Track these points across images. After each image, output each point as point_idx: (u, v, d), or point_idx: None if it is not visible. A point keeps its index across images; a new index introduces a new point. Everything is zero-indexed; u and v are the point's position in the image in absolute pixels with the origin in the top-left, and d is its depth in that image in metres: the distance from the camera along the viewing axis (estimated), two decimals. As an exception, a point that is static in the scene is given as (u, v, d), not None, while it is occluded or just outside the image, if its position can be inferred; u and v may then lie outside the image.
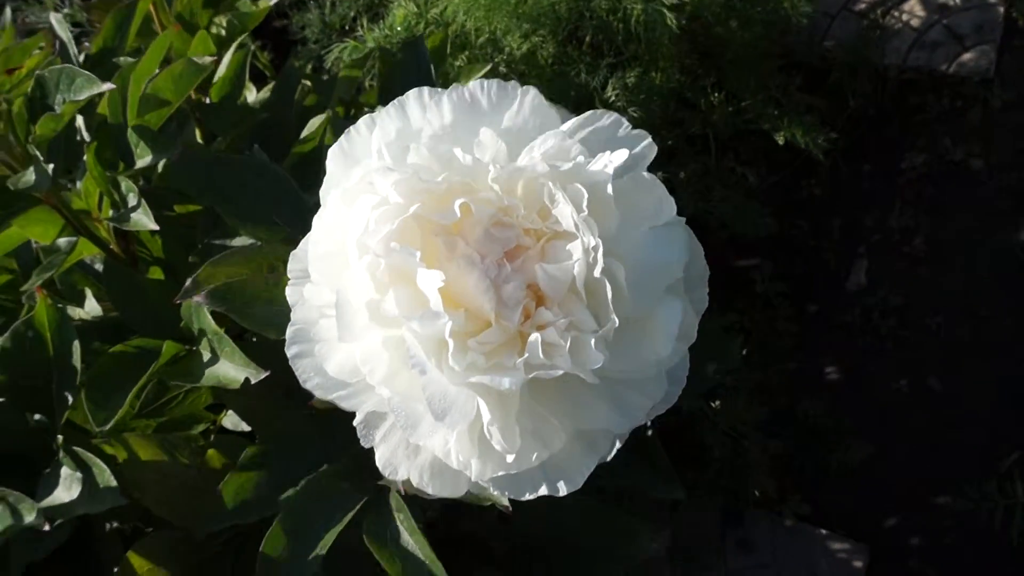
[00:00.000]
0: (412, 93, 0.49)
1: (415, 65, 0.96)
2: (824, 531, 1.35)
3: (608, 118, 0.48)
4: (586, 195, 0.44)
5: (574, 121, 0.48)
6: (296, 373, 0.48)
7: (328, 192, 0.50)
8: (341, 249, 0.47)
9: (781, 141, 1.41)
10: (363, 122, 0.50)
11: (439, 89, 0.49)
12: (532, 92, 0.48)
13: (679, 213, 1.03)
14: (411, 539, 0.61)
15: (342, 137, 0.50)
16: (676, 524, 1.40)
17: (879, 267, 1.52)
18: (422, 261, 0.43)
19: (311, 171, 0.89)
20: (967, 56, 1.57)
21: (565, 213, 0.44)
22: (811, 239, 1.56)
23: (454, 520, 0.87)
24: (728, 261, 1.57)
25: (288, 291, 0.50)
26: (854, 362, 1.47)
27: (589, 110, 1.26)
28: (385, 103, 0.94)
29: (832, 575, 1.33)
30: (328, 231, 0.48)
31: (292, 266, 0.50)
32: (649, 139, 0.48)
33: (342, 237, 0.47)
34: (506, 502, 0.56)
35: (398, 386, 0.45)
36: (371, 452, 0.67)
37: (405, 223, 0.44)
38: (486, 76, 1.24)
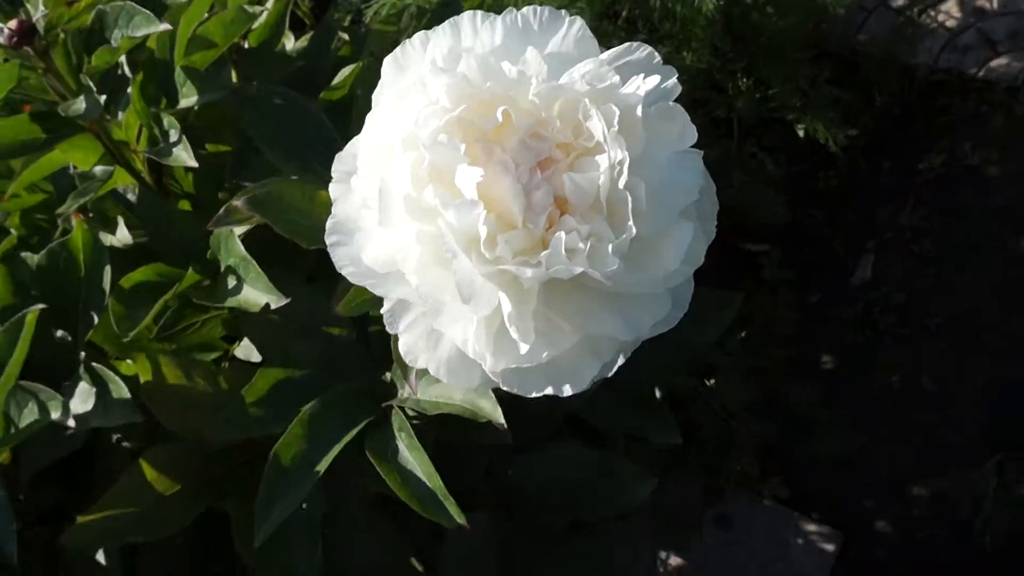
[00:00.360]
0: (467, 14, 0.52)
1: (454, 14, 0.99)
2: (800, 514, 1.40)
3: (643, 51, 0.52)
4: (618, 113, 0.47)
5: (612, 51, 0.51)
6: (333, 261, 0.52)
7: (381, 93, 0.53)
8: (389, 144, 0.50)
9: (801, 133, 1.44)
10: (417, 37, 0.53)
11: (491, 14, 0.52)
12: (579, 22, 0.52)
13: None
14: (411, 456, 0.66)
15: (397, 49, 0.53)
16: (659, 497, 1.44)
17: (886, 263, 1.55)
18: (466, 155, 0.47)
19: (338, 118, 0.93)
20: (998, 62, 1.59)
21: (597, 128, 0.47)
22: (823, 230, 1.59)
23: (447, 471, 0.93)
24: (739, 245, 1.60)
25: (332, 188, 0.54)
26: (850, 354, 1.51)
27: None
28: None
29: (804, 557, 1.37)
30: (378, 128, 0.52)
31: (337, 167, 0.54)
32: (676, 74, 0.51)
33: (390, 133, 0.50)
34: (500, 417, 0.61)
35: (428, 277, 0.48)
36: (377, 380, 0.74)
37: (450, 123, 0.47)
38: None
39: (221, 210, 0.72)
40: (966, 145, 1.57)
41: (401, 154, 0.48)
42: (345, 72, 0.98)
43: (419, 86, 0.50)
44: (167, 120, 0.84)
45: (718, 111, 1.49)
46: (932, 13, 1.64)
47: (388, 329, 0.52)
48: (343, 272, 0.52)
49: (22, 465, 0.81)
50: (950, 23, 1.63)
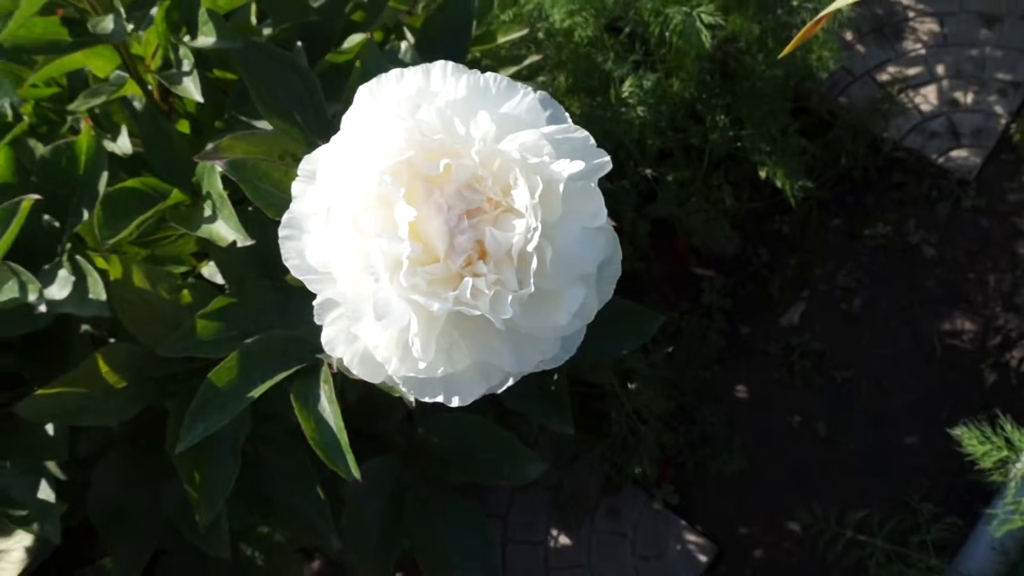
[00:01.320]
0: (439, 64, 0.58)
1: (462, 10, 1.06)
2: (684, 522, 1.51)
3: (581, 133, 0.58)
4: (540, 187, 0.54)
5: (554, 128, 0.58)
6: (282, 251, 0.58)
7: (350, 120, 0.59)
8: (346, 166, 0.56)
9: (763, 175, 1.53)
10: (393, 74, 0.59)
11: (462, 67, 0.59)
12: (532, 95, 0.58)
13: (655, 210, 1.17)
14: (328, 407, 0.73)
15: (372, 81, 0.59)
16: (563, 479, 1.55)
17: (813, 313, 1.65)
18: (404, 198, 0.53)
19: (337, 82, 0.99)
20: (958, 153, 1.69)
21: (522, 196, 0.54)
22: (765, 269, 1.69)
23: (367, 416, 1.01)
24: (687, 266, 1.70)
25: (294, 185, 0.60)
26: (761, 388, 1.61)
27: (604, 96, 1.38)
28: (425, 36, 1.05)
29: (678, 561, 1.49)
30: (341, 149, 0.58)
31: (303, 166, 0.60)
32: (607, 158, 0.58)
33: (350, 157, 0.57)
34: (413, 399, 0.67)
35: (355, 286, 0.55)
36: (315, 332, 0.79)
37: (400, 163, 0.54)
38: (522, 40, 1.36)
39: (210, 146, 0.78)
40: (911, 223, 1.67)
41: (354, 179, 0.55)
42: (354, 39, 1.03)
43: (383, 122, 0.56)
44: (183, 51, 0.90)
45: (693, 139, 1.58)
46: (911, 94, 1.74)
47: (316, 320, 0.59)
48: (287, 264, 0.58)
49: None
50: (925, 107, 1.72)
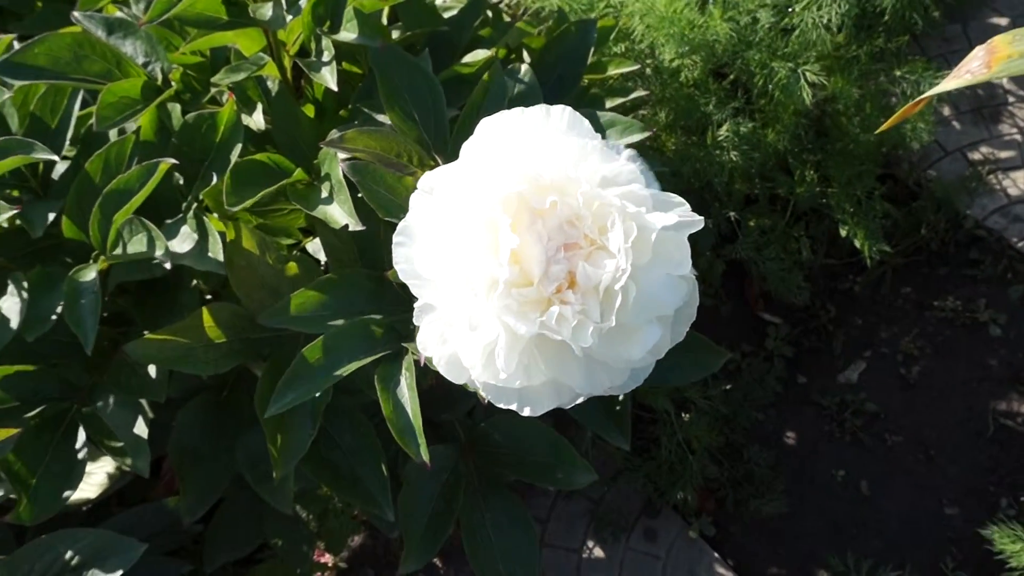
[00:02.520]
0: (559, 109, 0.64)
1: (581, 40, 1.12)
2: (716, 555, 1.56)
3: (677, 199, 0.64)
4: (635, 234, 0.59)
5: (656, 191, 0.63)
6: (393, 256, 0.64)
7: (471, 147, 0.65)
8: (462, 189, 0.62)
9: (843, 233, 1.57)
10: (516, 112, 0.65)
11: (579, 115, 0.65)
12: (634, 162, 0.64)
13: (732, 252, 1.22)
14: (407, 392, 0.78)
15: (496, 116, 0.65)
16: (606, 494, 1.61)
17: (872, 374, 1.68)
18: (510, 225, 0.59)
19: (457, 91, 1.06)
20: (1039, 240, 1.71)
21: (616, 238, 0.59)
22: (831, 325, 1.73)
23: (434, 404, 1.07)
24: (756, 310, 1.75)
25: (412, 197, 0.65)
26: (811, 438, 1.65)
27: (700, 137, 1.44)
28: (543, 60, 1.12)
29: (704, 591, 1.54)
30: (460, 173, 0.64)
31: (423, 182, 0.65)
32: (701, 219, 0.63)
33: (467, 181, 0.62)
34: (485, 396, 0.72)
35: (454, 297, 0.61)
36: (404, 323, 0.85)
37: (511, 195, 0.60)
38: (631, 75, 1.42)
39: (336, 133, 0.85)
40: (981, 301, 1.70)
41: (469, 201, 0.61)
42: (478, 55, 1.09)
43: (501, 154, 0.62)
44: (325, 42, 0.96)
45: (780, 189, 1.62)
46: (1000, 176, 1.76)
47: (415, 320, 0.65)
48: (396, 267, 0.64)
49: (111, 275, 0.95)
50: (1012, 191, 1.74)
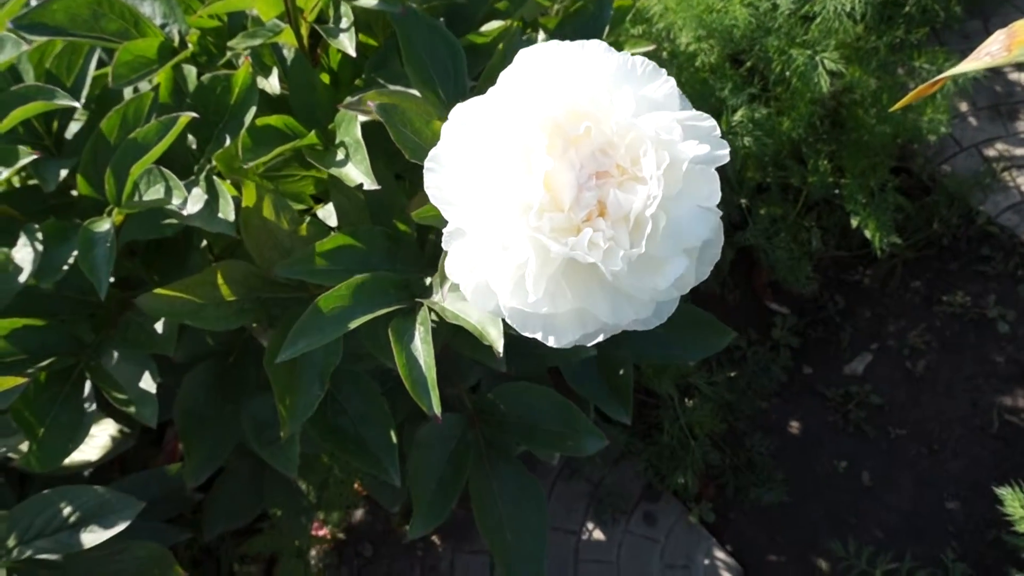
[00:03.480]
0: (594, 42, 0.64)
1: (597, 17, 1.11)
2: (715, 540, 1.56)
3: (709, 122, 0.64)
4: (667, 162, 0.60)
5: (686, 113, 0.63)
6: (425, 179, 0.64)
7: (507, 76, 0.64)
8: (497, 115, 0.62)
9: (855, 224, 1.56)
10: (553, 43, 0.65)
11: (613, 48, 0.65)
12: (671, 83, 0.64)
13: (742, 239, 1.20)
14: (421, 346, 0.78)
15: (534, 47, 0.65)
16: (608, 477, 1.61)
17: (878, 367, 1.68)
18: (545, 149, 0.60)
19: (474, 61, 1.05)
20: (1051, 239, 1.71)
21: (649, 166, 0.59)
22: (838, 317, 1.73)
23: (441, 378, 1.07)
24: (763, 299, 1.75)
25: (444, 127, 0.65)
26: (814, 429, 1.65)
27: (714, 119, 1.43)
28: (560, 35, 1.11)
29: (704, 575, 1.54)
30: (494, 100, 0.64)
31: (455, 113, 0.65)
32: (728, 149, 0.63)
33: (502, 107, 0.63)
34: (500, 346, 0.73)
35: (485, 219, 0.61)
36: (417, 280, 0.85)
37: (547, 119, 0.60)
38: (646, 55, 1.42)
39: (355, 98, 0.85)
40: (991, 297, 1.69)
41: (504, 125, 0.61)
42: (494, 25, 1.08)
43: (538, 81, 0.62)
44: (344, 8, 0.96)
45: (792, 179, 1.62)
46: (1015, 173, 1.75)
47: (443, 246, 0.64)
48: (428, 192, 0.64)
49: (123, 232, 0.94)
50: (1026, 188, 1.75)
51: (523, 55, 0.65)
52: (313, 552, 1.53)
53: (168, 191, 0.87)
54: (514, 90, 0.64)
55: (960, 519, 1.55)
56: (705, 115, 0.64)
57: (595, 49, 0.64)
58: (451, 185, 0.64)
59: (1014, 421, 1.61)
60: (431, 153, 0.65)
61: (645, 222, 0.60)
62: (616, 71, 0.63)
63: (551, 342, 0.64)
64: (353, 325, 0.80)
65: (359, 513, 1.59)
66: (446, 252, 0.65)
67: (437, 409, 0.76)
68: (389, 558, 1.55)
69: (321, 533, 1.53)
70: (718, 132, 0.64)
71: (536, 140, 0.60)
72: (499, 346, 0.73)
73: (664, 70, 0.64)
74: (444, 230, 0.65)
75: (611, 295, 0.63)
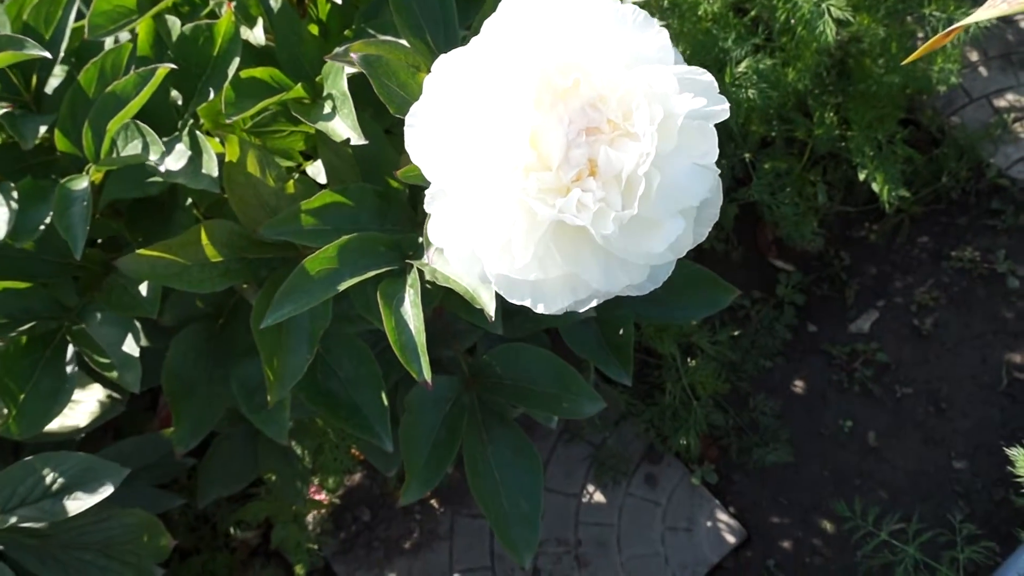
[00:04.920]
0: None
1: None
2: (718, 502, 1.53)
3: (707, 77, 0.60)
4: (661, 117, 0.56)
5: (683, 68, 0.60)
6: (406, 136, 0.61)
7: (491, 25, 0.61)
8: (480, 67, 0.59)
9: (861, 178, 1.53)
10: None
11: None
12: (665, 33, 0.60)
13: (746, 195, 1.16)
14: (411, 309, 0.75)
15: None
16: (607, 438, 1.58)
17: (884, 325, 1.65)
18: (531, 103, 0.56)
19: (466, 9, 1.02)
20: (1063, 191, 1.67)
21: (642, 121, 0.56)
22: (844, 273, 1.69)
23: (435, 340, 1.04)
24: (768, 256, 1.71)
25: (426, 80, 0.62)
26: (819, 387, 1.62)
27: (717, 75, 1.39)
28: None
29: (706, 538, 1.51)
30: (478, 51, 0.60)
31: (438, 65, 0.62)
32: (727, 104, 0.60)
33: (486, 58, 0.59)
34: (492, 310, 0.69)
35: (469, 178, 0.58)
36: (408, 240, 0.81)
37: (533, 71, 0.57)
38: (646, 4, 1.37)
39: (341, 48, 0.81)
40: (1001, 252, 1.66)
41: (487, 78, 0.58)
42: None
43: (523, 30, 0.59)
44: None
45: (798, 132, 1.58)
46: (1026, 124, 1.72)
47: (425, 208, 0.61)
48: (408, 150, 0.61)
49: (105, 191, 0.92)
50: (1038, 140, 1.70)
51: (508, 2, 0.61)
52: (310, 517, 1.51)
53: (146, 147, 0.84)
54: (498, 40, 0.60)
55: (967, 479, 1.53)
56: (702, 70, 0.61)
57: None
58: (433, 143, 0.60)
59: (1023, 379, 1.58)
60: (412, 109, 0.61)
61: (638, 181, 0.56)
62: (608, 20, 0.59)
63: (540, 309, 0.61)
64: (341, 288, 0.77)
65: (357, 477, 1.57)
66: (429, 214, 0.62)
67: (427, 375, 0.73)
68: (387, 522, 1.53)
69: (318, 497, 1.51)
70: (716, 87, 0.61)
71: (522, 94, 0.57)
72: (491, 310, 0.70)
73: (656, 20, 0.61)
74: (426, 191, 0.61)
75: (603, 260, 0.59)
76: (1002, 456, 1.51)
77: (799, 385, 1.62)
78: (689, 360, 1.57)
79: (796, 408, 1.61)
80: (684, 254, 0.61)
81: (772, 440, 1.57)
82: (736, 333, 1.62)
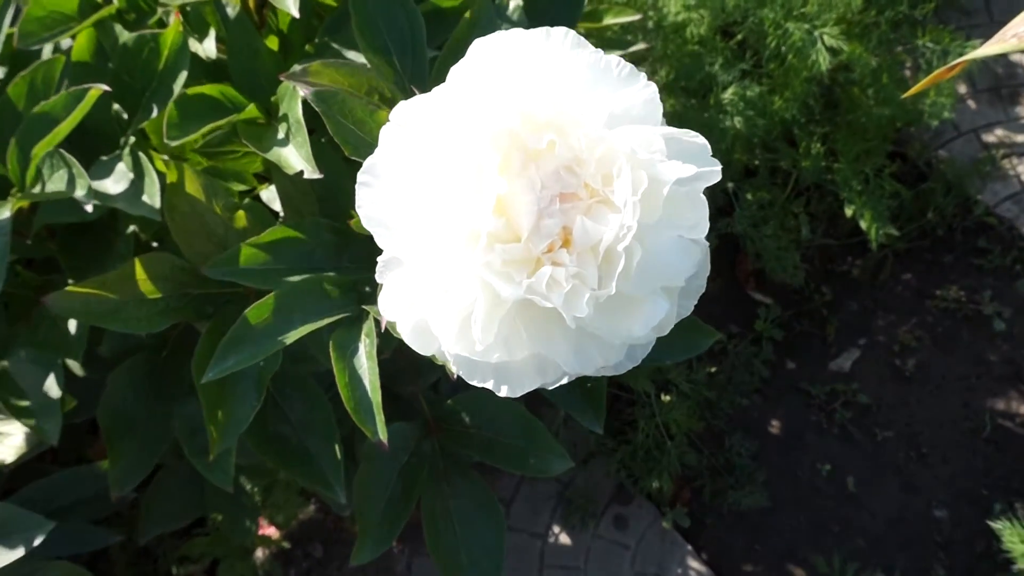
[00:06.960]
0: (561, 31, 0.53)
1: (576, -21, 1.01)
2: (690, 547, 1.47)
3: (698, 140, 0.54)
4: (645, 185, 0.49)
5: (672, 129, 0.53)
6: (356, 197, 0.53)
7: (458, 73, 0.54)
8: (444, 122, 0.52)
9: (849, 213, 1.47)
10: (513, 33, 0.54)
11: (583, 40, 0.54)
12: (653, 88, 0.53)
13: (727, 226, 1.06)
14: (366, 363, 0.68)
15: (490, 37, 0.54)
16: (576, 477, 1.51)
17: (866, 364, 1.59)
18: (498, 167, 0.49)
19: (439, 28, 0.95)
20: (1051, 232, 1.62)
21: (623, 190, 0.49)
22: (825, 309, 1.63)
23: (397, 375, 0.97)
24: (746, 288, 1.65)
25: (384, 130, 0.54)
26: (797, 429, 1.56)
27: (702, 100, 1.31)
28: (535, 4, 1.01)
29: (676, 585, 1.45)
30: (443, 102, 0.53)
31: (397, 113, 0.54)
32: (719, 167, 0.53)
33: (450, 113, 0.52)
34: (455, 372, 0.63)
35: (426, 249, 0.51)
36: (366, 283, 0.74)
37: (502, 130, 0.50)
38: (630, 25, 1.31)
39: (299, 67, 0.74)
40: (987, 293, 1.60)
41: (451, 135, 0.51)
42: None
43: (493, 82, 0.52)
44: None
45: (782, 162, 1.52)
46: (1015, 161, 1.66)
47: (377, 277, 0.54)
48: (360, 211, 0.53)
49: (37, 215, 0.85)
50: (1026, 177, 1.66)
51: (476, 47, 0.54)
52: (259, 553, 1.42)
53: (71, 180, 0.75)
54: (464, 92, 0.53)
55: (948, 529, 1.47)
56: (693, 133, 0.53)
57: (561, 41, 0.53)
58: (388, 204, 0.52)
59: (1007, 425, 1.53)
60: (366, 163, 0.54)
61: (617, 257, 0.49)
62: (588, 71, 0.52)
63: (503, 392, 0.54)
64: (290, 339, 0.70)
65: (310, 508, 1.49)
66: (380, 285, 0.54)
67: (383, 435, 0.67)
68: (340, 559, 1.45)
69: (268, 532, 1.43)
70: (708, 150, 0.53)
71: (487, 155, 0.50)
72: (453, 369, 0.63)
73: (643, 74, 0.53)
74: (379, 259, 0.54)
75: (575, 340, 0.52)
76: (984, 506, 1.46)
77: (776, 425, 1.56)
78: (663, 396, 1.50)
79: (773, 449, 1.55)
80: (667, 332, 0.54)
81: (747, 483, 1.50)
82: (712, 369, 1.55)
